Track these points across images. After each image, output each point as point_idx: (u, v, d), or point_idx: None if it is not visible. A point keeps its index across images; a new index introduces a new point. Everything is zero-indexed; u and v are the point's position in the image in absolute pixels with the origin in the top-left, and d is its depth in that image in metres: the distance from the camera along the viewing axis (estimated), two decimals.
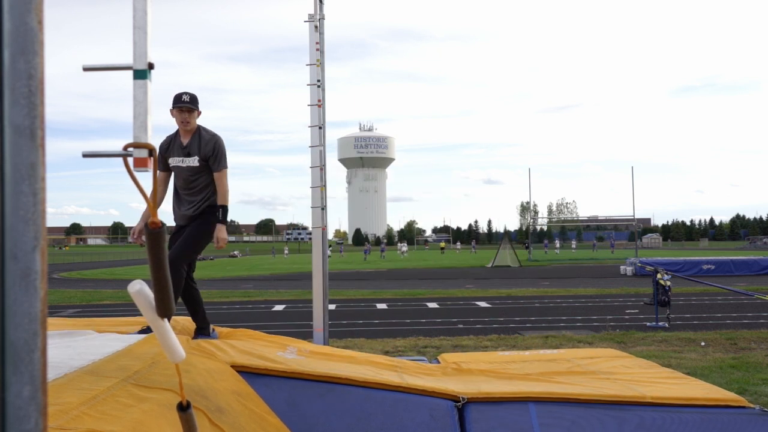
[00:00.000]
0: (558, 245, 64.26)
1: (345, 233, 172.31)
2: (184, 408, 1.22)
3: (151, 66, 1.01)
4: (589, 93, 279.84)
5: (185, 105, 4.22)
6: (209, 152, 4.30)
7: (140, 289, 1.07)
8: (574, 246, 66.65)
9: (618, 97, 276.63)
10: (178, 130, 4.37)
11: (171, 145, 4.37)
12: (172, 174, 4.45)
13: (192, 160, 4.29)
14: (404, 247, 62.23)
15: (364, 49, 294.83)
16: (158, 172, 4.36)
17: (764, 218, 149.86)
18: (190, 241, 4.29)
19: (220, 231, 4.38)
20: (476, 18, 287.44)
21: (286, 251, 66.79)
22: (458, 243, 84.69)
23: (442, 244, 76.38)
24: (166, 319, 1.12)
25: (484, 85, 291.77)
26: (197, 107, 4.28)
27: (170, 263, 4.14)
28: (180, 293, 4.26)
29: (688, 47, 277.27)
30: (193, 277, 4.44)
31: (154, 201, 1.02)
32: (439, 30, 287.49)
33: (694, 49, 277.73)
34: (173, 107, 4.26)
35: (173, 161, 4.34)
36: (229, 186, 4.43)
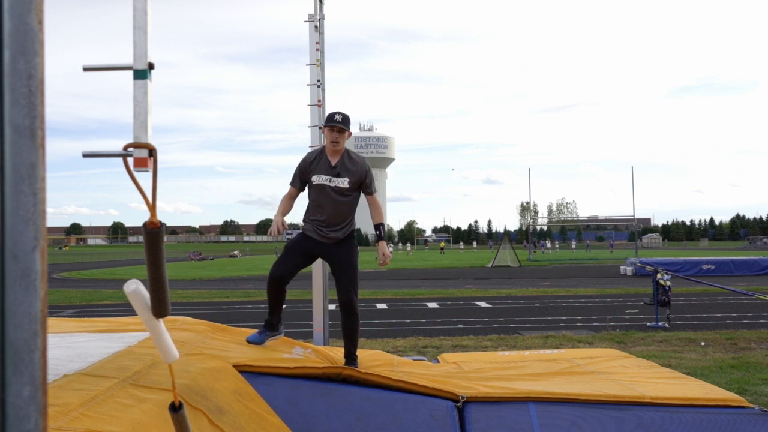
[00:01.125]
0: (550, 246, 64.25)
1: None
2: (176, 409, 1.22)
3: (151, 66, 1.01)
4: (587, 93, 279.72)
5: (337, 124, 4.16)
6: (363, 176, 4.28)
7: (136, 289, 1.07)
8: (573, 246, 66.66)
9: (616, 97, 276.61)
10: (324, 148, 4.31)
11: (316, 162, 4.29)
12: (308, 190, 4.39)
13: (341, 181, 4.23)
14: (389, 248, 63.28)
15: (363, 49, 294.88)
16: (290, 187, 4.40)
17: (764, 218, 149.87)
18: (354, 271, 4.31)
19: (384, 247, 4.39)
20: (474, 18, 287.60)
21: (277, 251, 66.93)
22: (461, 243, 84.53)
23: (442, 245, 76.24)
24: (161, 320, 1.12)
25: (481, 85, 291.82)
26: (348, 128, 4.21)
27: (348, 303, 4.21)
28: (357, 321, 4.30)
29: (684, 48, 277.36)
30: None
31: (154, 201, 1.02)
32: (437, 30, 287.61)
33: (690, 49, 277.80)
34: (325, 125, 4.24)
35: (318, 179, 4.25)
36: (380, 204, 4.50)
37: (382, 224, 4.46)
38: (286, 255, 4.38)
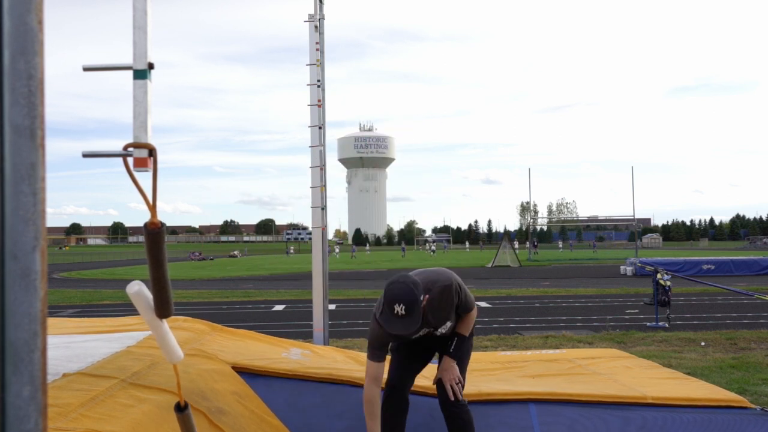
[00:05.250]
0: (517, 246, 64.12)
1: (345, 233, 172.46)
2: (181, 409, 1.22)
3: (151, 66, 1.00)
4: (586, 93, 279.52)
5: (398, 329, 2.88)
6: (457, 303, 3.17)
7: (139, 290, 1.07)
8: (561, 246, 66.94)
9: (615, 97, 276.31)
10: None
11: None
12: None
13: (443, 329, 3.22)
14: (354, 249, 61.28)
15: (362, 49, 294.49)
16: (372, 364, 3.10)
17: (764, 218, 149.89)
18: (464, 361, 3.34)
19: (448, 366, 3.18)
20: (474, 18, 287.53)
21: (291, 250, 66.80)
22: (439, 243, 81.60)
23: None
24: (164, 320, 1.12)
25: (481, 85, 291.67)
26: (418, 312, 2.84)
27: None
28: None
29: (682, 48, 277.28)
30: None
31: (154, 201, 1.02)
32: (436, 30, 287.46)
33: (688, 49, 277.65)
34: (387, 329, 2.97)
35: (417, 334, 3.20)
36: (475, 313, 3.35)
37: (459, 336, 3.26)
38: (400, 354, 3.25)
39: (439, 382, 3.15)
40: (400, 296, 2.82)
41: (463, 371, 3.22)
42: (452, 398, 3.08)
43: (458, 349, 3.20)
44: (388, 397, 3.17)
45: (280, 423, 3.10)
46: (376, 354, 3.06)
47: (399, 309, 2.80)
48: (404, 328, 2.82)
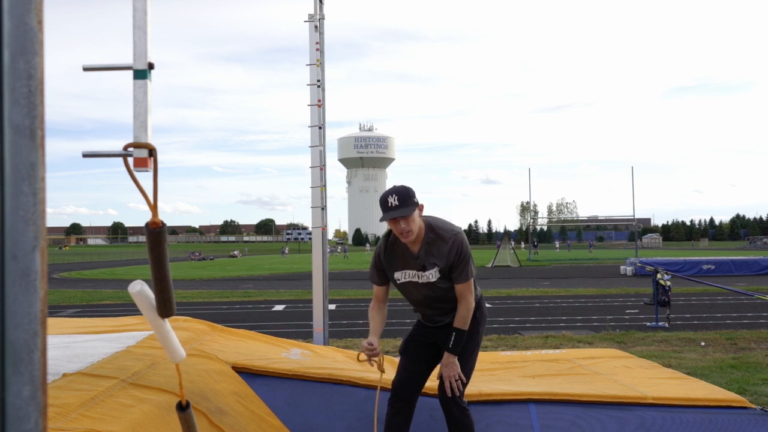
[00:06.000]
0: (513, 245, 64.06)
1: (345, 233, 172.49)
2: (183, 408, 1.22)
3: (151, 66, 1.00)
4: (584, 93, 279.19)
5: (394, 214, 2.93)
6: (453, 260, 3.07)
7: (141, 290, 1.07)
8: (558, 246, 66.93)
9: (613, 97, 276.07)
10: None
11: (394, 253, 3.16)
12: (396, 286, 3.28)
13: (431, 274, 3.10)
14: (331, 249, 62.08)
15: (359, 49, 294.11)
16: (375, 286, 3.26)
17: (764, 218, 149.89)
18: (467, 360, 3.20)
19: (448, 362, 3.08)
20: (471, 19, 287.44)
21: (286, 251, 66.91)
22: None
23: None
24: (166, 319, 1.12)
25: (479, 85, 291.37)
26: (412, 205, 2.95)
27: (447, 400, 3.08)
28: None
29: (681, 48, 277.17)
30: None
31: (155, 200, 1.01)
32: (433, 31, 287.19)
33: (685, 50, 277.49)
34: (382, 219, 3.01)
35: (403, 276, 3.16)
36: (473, 300, 3.17)
37: (456, 330, 3.12)
38: (406, 356, 3.29)
39: (440, 377, 3.15)
40: (392, 190, 3.00)
41: (467, 372, 3.15)
42: (449, 394, 3.04)
43: (457, 344, 3.11)
44: (393, 401, 3.13)
45: (280, 423, 3.11)
46: (375, 279, 3.28)
47: (392, 200, 2.95)
48: (397, 213, 2.93)
